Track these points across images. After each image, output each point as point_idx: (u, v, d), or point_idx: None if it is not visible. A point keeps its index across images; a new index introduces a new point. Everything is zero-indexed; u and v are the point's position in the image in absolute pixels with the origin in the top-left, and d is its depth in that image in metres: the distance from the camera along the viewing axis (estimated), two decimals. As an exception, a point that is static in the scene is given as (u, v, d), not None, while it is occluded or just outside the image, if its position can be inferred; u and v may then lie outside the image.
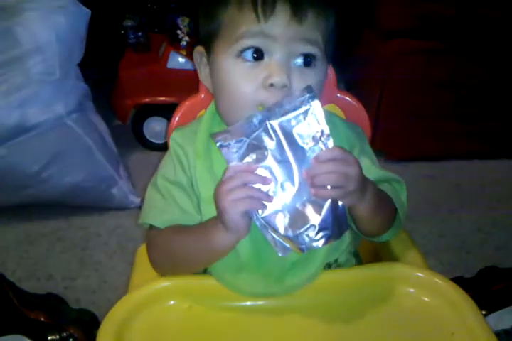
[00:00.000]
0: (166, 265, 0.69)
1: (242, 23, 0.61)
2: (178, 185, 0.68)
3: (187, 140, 0.70)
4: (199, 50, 0.69)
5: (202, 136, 0.69)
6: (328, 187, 0.56)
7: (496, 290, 1.01)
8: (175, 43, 1.77)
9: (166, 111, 1.75)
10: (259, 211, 0.57)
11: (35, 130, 1.40)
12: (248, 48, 0.61)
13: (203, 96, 0.81)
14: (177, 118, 0.82)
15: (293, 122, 0.57)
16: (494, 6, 1.62)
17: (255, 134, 0.57)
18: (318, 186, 0.56)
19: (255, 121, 0.57)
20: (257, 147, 0.57)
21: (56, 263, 1.39)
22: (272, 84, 0.60)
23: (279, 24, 0.60)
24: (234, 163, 0.57)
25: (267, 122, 0.57)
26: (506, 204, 1.64)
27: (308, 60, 0.62)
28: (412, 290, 0.66)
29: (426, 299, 0.65)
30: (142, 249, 0.75)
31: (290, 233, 0.57)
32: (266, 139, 0.57)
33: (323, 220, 0.57)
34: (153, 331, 0.62)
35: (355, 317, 0.64)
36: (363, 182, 0.60)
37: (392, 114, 1.77)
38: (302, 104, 0.57)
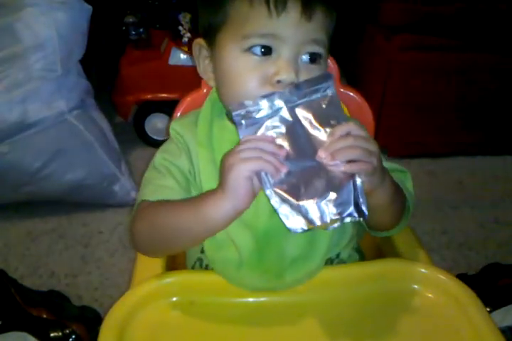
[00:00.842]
0: (150, 240, 0.65)
1: (251, 18, 0.60)
2: (179, 169, 0.67)
3: (186, 130, 0.69)
4: (199, 42, 0.69)
5: (203, 125, 0.68)
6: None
7: (500, 286, 1.01)
8: (176, 39, 1.76)
9: (168, 108, 1.74)
10: (271, 181, 0.54)
11: (36, 127, 1.40)
12: (257, 45, 0.61)
13: (204, 91, 0.80)
14: (178, 114, 0.82)
15: (310, 106, 0.57)
16: (497, 1, 1.61)
17: (272, 116, 0.57)
18: (341, 161, 0.54)
19: (273, 103, 0.57)
20: (273, 129, 0.56)
21: (58, 261, 1.39)
22: (279, 81, 0.60)
23: (290, 23, 0.60)
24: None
25: (285, 105, 0.57)
26: (509, 201, 1.64)
27: (314, 58, 0.63)
28: (415, 286, 0.66)
29: (430, 295, 0.65)
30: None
31: (304, 203, 0.54)
32: (282, 122, 0.57)
33: (341, 195, 0.54)
34: (156, 327, 0.62)
35: (357, 313, 0.64)
36: (382, 165, 0.59)
37: (395, 110, 1.76)
38: (320, 88, 0.57)
